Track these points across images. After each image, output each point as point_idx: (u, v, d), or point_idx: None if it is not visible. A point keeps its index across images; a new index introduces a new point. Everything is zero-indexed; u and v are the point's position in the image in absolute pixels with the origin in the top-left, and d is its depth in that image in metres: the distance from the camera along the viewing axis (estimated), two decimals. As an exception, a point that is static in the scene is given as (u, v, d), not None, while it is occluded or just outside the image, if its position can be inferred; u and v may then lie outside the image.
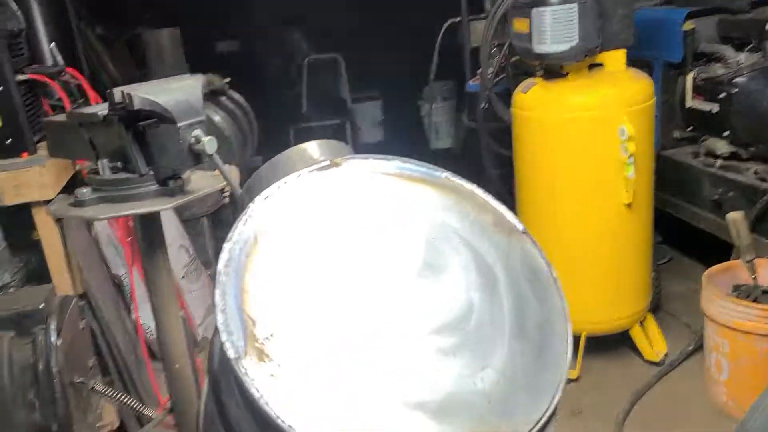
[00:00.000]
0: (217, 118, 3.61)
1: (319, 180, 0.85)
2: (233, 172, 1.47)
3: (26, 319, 1.59)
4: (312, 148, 0.91)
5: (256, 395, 0.66)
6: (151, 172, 1.16)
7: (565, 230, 2.41)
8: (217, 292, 0.72)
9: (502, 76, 3.03)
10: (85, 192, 1.15)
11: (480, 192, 0.91)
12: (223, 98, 3.88)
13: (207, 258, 3.56)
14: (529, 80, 2.52)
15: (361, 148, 6.00)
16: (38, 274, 2.30)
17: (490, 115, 3.20)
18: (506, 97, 2.89)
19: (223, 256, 0.75)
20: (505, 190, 3.21)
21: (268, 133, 4.59)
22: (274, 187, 0.82)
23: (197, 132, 1.09)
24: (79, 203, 1.15)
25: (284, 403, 0.66)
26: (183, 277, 3.12)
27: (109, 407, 2.47)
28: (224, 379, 0.79)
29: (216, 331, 0.70)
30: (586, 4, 2.13)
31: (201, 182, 1.26)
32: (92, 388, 1.67)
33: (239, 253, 0.76)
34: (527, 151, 2.51)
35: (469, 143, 4.12)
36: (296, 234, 0.79)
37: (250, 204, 0.80)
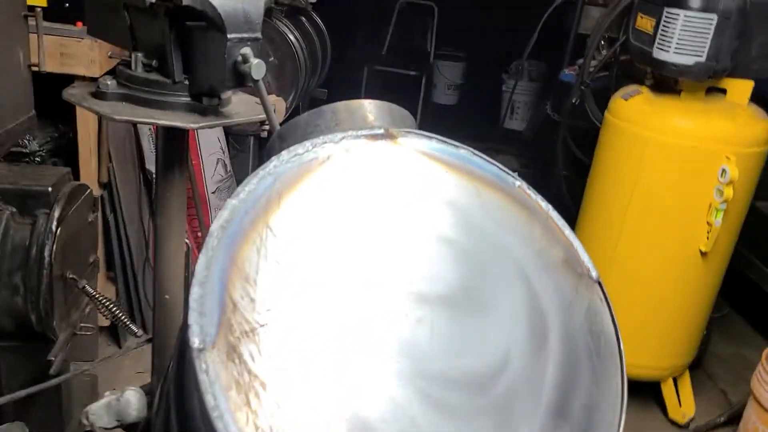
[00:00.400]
0: (292, 37, 3.46)
1: (363, 149, 0.69)
2: (279, 104, 1.32)
3: (31, 199, 1.50)
4: (368, 107, 0.75)
5: (211, 404, 0.53)
6: (187, 82, 1.02)
7: (625, 260, 2.20)
8: (202, 258, 0.58)
9: (603, 74, 2.77)
10: (108, 84, 1.02)
11: (556, 216, 0.74)
12: (304, 19, 3.71)
13: (244, 178, 3.47)
14: (634, 87, 2.27)
15: (431, 107, 5.78)
16: (67, 151, 2.23)
17: (577, 111, 2.95)
18: (601, 98, 2.65)
19: (223, 215, 0.61)
20: (570, 196, 2.99)
21: (341, 67, 4.43)
22: (308, 144, 0.67)
23: (246, 50, 0.93)
24: (99, 95, 1.02)
25: (242, 423, 0.53)
26: (214, 191, 3.04)
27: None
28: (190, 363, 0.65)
29: (186, 306, 0.56)
30: (729, 20, 1.87)
31: (241, 107, 1.12)
32: (83, 287, 1.59)
33: (243, 216, 0.62)
34: (608, 164, 2.28)
35: (542, 133, 3.88)
36: (317, 210, 0.64)
37: (273, 158, 0.65)
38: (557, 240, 0.73)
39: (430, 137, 0.74)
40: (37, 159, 2.16)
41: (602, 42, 2.86)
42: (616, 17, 2.56)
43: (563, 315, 0.67)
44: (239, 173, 3.39)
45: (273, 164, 0.65)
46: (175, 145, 1.11)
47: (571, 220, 2.42)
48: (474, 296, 0.65)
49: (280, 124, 0.97)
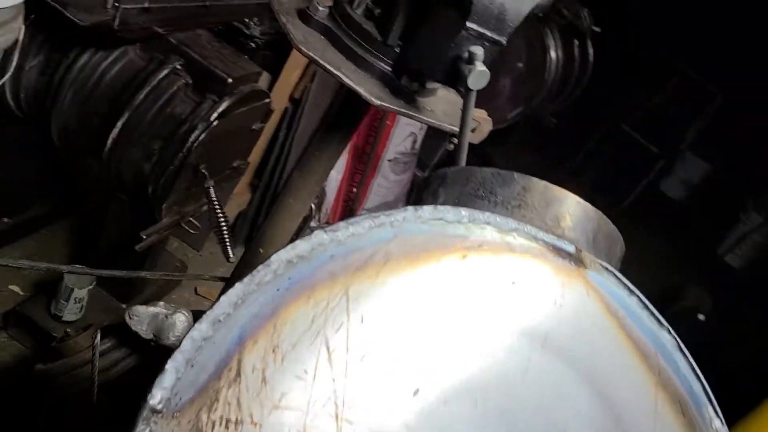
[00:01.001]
0: (554, 55, 3.22)
1: (533, 260, 0.49)
2: (484, 125, 1.13)
3: (210, 80, 1.46)
4: (571, 206, 0.54)
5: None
6: (397, 50, 0.86)
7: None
8: (238, 287, 0.42)
9: None
10: (319, 9, 0.89)
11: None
12: (576, 42, 3.44)
13: (428, 162, 3.36)
14: None
15: (652, 192, 5.24)
16: (281, 53, 2.21)
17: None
18: None
19: (299, 246, 0.44)
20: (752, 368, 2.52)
21: (580, 106, 4.07)
22: (464, 213, 0.48)
23: (478, 50, 0.75)
24: (304, 16, 0.90)
25: None
26: (391, 160, 2.94)
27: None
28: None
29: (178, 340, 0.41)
30: None
31: (440, 106, 0.95)
32: (207, 187, 1.54)
33: (325, 262, 0.44)
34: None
35: (762, 289, 3.35)
36: (424, 313, 0.45)
37: (410, 208, 0.47)
38: None
39: (631, 291, 0.51)
40: (251, 44, 2.15)
41: None
42: None
43: None
44: (425, 155, 3.26)
45: (404, 215, 0.46)
46: (351, 111, 0.97)
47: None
48: None
49: (468, 157, 0.79)
